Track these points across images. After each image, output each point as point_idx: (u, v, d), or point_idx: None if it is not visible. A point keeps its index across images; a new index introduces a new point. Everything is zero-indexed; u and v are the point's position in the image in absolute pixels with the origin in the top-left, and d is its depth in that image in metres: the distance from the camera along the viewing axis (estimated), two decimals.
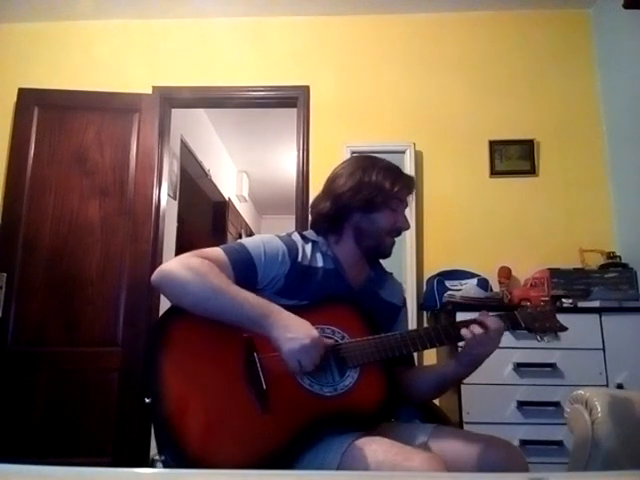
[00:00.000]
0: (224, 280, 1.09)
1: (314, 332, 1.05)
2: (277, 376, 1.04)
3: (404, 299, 1.42)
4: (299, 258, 1.22)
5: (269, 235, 1.26)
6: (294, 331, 1.03)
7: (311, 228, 1.33)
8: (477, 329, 1.12)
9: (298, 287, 1.19)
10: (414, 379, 1.28)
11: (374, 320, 1.19)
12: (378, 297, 1.32)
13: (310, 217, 1.35)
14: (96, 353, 2.62)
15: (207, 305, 1.07)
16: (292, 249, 1.22)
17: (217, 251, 1.17)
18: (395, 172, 1.29)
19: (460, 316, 2.07)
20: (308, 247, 1.26)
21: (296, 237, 1.28)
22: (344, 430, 1.04)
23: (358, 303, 1.21)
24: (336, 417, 1.05)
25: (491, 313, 1.19)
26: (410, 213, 2.71)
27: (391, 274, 1.41)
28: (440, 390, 1.29)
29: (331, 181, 1.31)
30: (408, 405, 1.35)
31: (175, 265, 1.11)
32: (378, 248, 1.29)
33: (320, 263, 1.25)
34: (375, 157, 1.33)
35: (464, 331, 1.13)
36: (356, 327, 1.15)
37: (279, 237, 1.25)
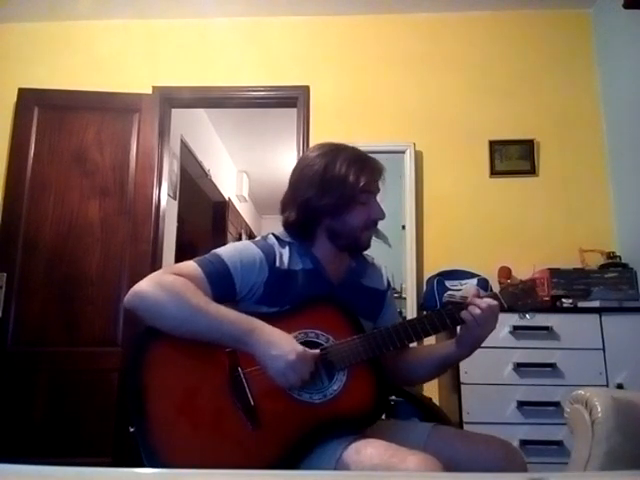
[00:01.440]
0: (202, 298, 1.04)
1: (298, 347, 1.01)
2: (264, 389, 1.02)
3: (388, 282, 1.36)
4: (277, 263, 1.17)
5: (244, 242, 1.22)
6: (278, 348, 1.00)
7: (284, 229, 1.26)
8: (476, 310, 1.10)
9: (279, 293, 1.15)
10: (410, 362, 1.25)
11: (357, 317, 1.16)
12: (361, 286, 1.28)
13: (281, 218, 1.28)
14: (96, 353, 2.63)
15: (186, 326, 1.03)
16: (269, 255, 1.17)
17: (191, 265, 1.11)
18: (358, 163, 1.20)
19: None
20: (285, 250, 1.20)
21: (272, 240, 1.22)
22: (337, 435, 1.02)
23: (340, 301, 1.16)
24: (328, 424, 1.03)
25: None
26: (410, 213, 2.72)
27: (372, 259, 1.35)
28: (440, 372, 1.28)
29: (295, 182, 1.24)
30: (406, 395, 1.33)
31: (149, 285, 1.06)
32: (356, 244, 1.23)
33: (299, 265, 1.20)
34: (338, 147, 1.24)
35: (464, 314, 1.11)
36: (340, 327, 1.12)
37: (254, 243, 1.20)
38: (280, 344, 1.01)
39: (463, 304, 1.14)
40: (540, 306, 1.20)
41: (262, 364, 1.02)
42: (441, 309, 1.17)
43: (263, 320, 1.06)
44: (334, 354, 1.08)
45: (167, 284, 1.05)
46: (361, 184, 1.17)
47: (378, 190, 1.24)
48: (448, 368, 1.26)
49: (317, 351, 1.06)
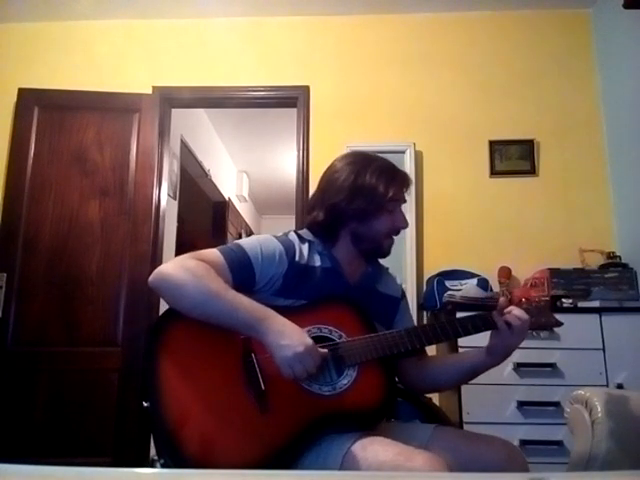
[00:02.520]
0: (221, 284, 1.08)
1: (308, 340, 1.03)
2: (275, 376, 1.04)
3: (402, 291, 1.40)
4: (296, 257, 1.21)
5: (266, 235, 1.25)
6: (288, 338, 1.02)
7: (306, 229, 1.31)
8: (515, 320, 1.12)
9: (296, 286, 1.18)
10: (430, 369, 1.27)
11: (372, 316, 1.19)
12: (376, 291, 1.31)
13: (306, 218, 1.34)
14: (96, 353, 2.63)
15: (203, 309, 1.06)
16: (289, 249, 1.21)
17: (214, 253, 1.16)
18: (389, 173, 1.26)
19: (460, 316, 2.07)
20: (305, 247, 1.25)
21: (293, 237, 1.27)
22: (344, 429, 1.04)
23: (355, 302, 1.20)
24: (336, 416, 1.05)
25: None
26: (410, 213, 2.72)
27: (387, 268, 1.40)
28: (467, 380, 1.30)
29: (324, 185, 1.29)
30: (415, 400, 1.34)
31: (172, 267, 1.10)
32: (377, 250, 1.29)
33: (318, 262, 1.24)
34: (369, 157, 1.30)
35: (500, 321, 1.13)
36: (353, 326, 1.15)
37: (276, 237, 1.24)
38: (290, 335, 1.03)
39: (489, 314, 1.16)
40: (553, 326, 1.22)
41: (270, 352, 1.03)
42: (465, 317, 1.18)
43: (278, 312, 1.08)
44: (345, 350, 1.10)
45: (190, 268, 1.08)
46: (390, 194, 1.23)
47: (405, 200, 1.30)
48: (476, 376, 1.27)
49: (326, 350, 1.08)
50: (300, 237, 1.27)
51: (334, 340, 1.12)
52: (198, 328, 1.07)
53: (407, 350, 1.14)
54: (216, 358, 1.07)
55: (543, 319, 1.20)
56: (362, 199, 1.22)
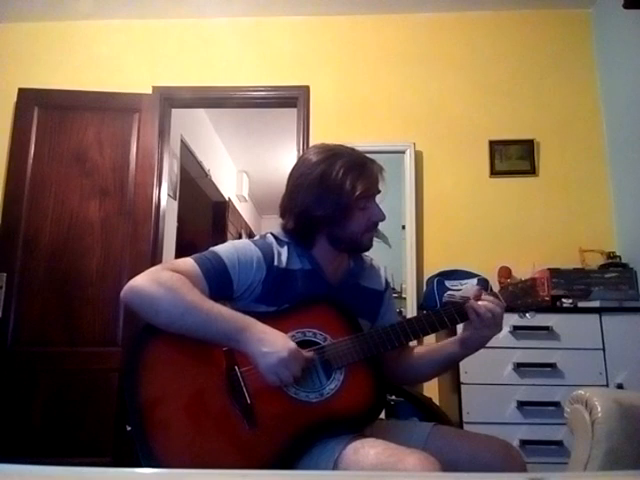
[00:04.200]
0: (197, 295, 1.04)
1: (291, 344, 1.01)
2: (261, 388, 1.01)
3: (387, 282, 1.35)
4: (275, 262, 1.16)
5: (243, 241, 1.21)
6: (269, 345, 1.00)
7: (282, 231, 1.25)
8: (486, 313, 1.11)
9: (277, 291, 1.14)
10: (413, 361, 1.26)
11: (357, 314, 1.16)
12: (359, 287, 1.27)
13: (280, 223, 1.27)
14: (96, 353, 2.62)
15: (180, 323, 1.02)
16: (267, 254, 1.16)
17: (189, 262, 1.11)
18: (355, 169, 1.18)
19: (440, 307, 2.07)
20: (284, 250, 1.20)
21: (270, 240, 1.22)
22: (335, 434, 1.02)
23: (338, 301, 1.16)
24: (325, 423, 1.03)
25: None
26: (410, 213, 2.72)
27: (370, 260, 1.34)
28: (443, 371, 1.30)
29: (291, 190, 1.22)
30: (408, 396, 1.34)
31: (145, 280, 1.06)
32: (357, 247, 1.24)
33: (298, 265, 1.19)
34: (335, 153, 1.21)
35: (469, 312, 1.12)
36: (338, 327, 1.12)
37: (253, 242, 1.20)
38: (272, 341, 1.01)
39: (463, 304, 1.15)
40: (541, 305, 1.20)
41: (254, 361, 1.01)
42: (440, 308, 1.17)
43: (261, 319, 1.06)
44: (331, 353, 1.08)
45: (163, 280, 1.05)
46: (357, 192, 1.16)
47: (378, 191, 1.22)
48: (451, 367, 1.27)
49: (311, 353, 1.06)
50: (278, 240, 1.22)
51: (319, 343, 1.09)
52: (179, 343, 1.04)
53: (393, 347, 1.12)
54: (199, 373, 1.04)
55: (529, 299, 1.19)
56: (329, 202, 1.16)
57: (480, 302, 1.13)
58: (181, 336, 1.04)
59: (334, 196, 1.16)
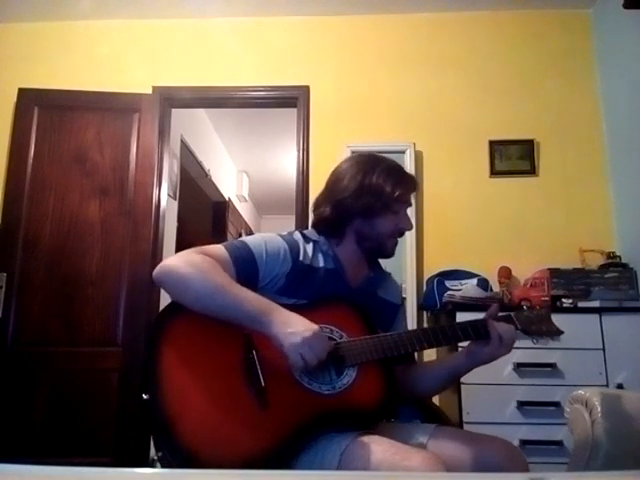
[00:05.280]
0: (226, 278, 1.08)
1: (314, 326, 1.04)
2: (276, 374, 1.04)
3: (402, 298, 1.42)
4: (300, 257, 1.21)
5: (271, 234, 1.26)
6: (294, 326, 1.03)
7: (312, 228, 1.33)
8: (507, 333, 1.14)
9: (298, 286, 1.18)
10: (420, 375, 1.28)
11: (371, 320, 1.19)
12: (376, 296, 1.32)
13: (311, 217, 1.35)
14: (96, 353, 2.63)
15: (208, 302, 1.06)
16: (294, 248, 1.22)
17: (219, 248, 1.16)
18: (397, 174, 1.28)
19: (460, 316, 2.08)
20: (309, 246, 1.26)
21: (297, 236, 1.27)
22: (343, 429, 1.04)
23: (356, 303, 1.21)
24: (335, 415, 1.05)
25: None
26: (410, 213, 2.71)
27: (389, 274, 1.40)
28: (449, 384, 1.31)
29: (332, 184, 1.30)
30: (411, 402, 1.35)
31: (177, 261, 1.11)
32: (380, 250, 1.29)
33: (321, 263, 1.24)
34: (377, 157, 1.32)
35: (494, 334, 1.14)
36: (354, 326, 1.15)
37: (281, 236, 1.25)
38: (296, 323, 1.04)
39: (485, 321, 1.17)
40: (553, 335, 1.22)
41: (277, 342, 1.02)
42: (465, 322, 1.18)
43: None
44: (346, 350, 1.10)
45: (195, 262, 1.09)
46: (396, 194, 1.23)
47: (410, 204, 1.31)
48: (455, 380, 1.30)
49: (332, 342, 1.08)
50: (305, 237, 1.28)
51: (335, 340, 1.12)
52: (200, 323, 1.07)
53: (407, 352, 1.14)
54: (217, 353, 1.07)
55: (544, 327, 1.21)
56: (368, 197, 1.23)
57: (497, 323, 1.16)
58: (203, 317, 1.07)
59: (374, 192, 1.23)
